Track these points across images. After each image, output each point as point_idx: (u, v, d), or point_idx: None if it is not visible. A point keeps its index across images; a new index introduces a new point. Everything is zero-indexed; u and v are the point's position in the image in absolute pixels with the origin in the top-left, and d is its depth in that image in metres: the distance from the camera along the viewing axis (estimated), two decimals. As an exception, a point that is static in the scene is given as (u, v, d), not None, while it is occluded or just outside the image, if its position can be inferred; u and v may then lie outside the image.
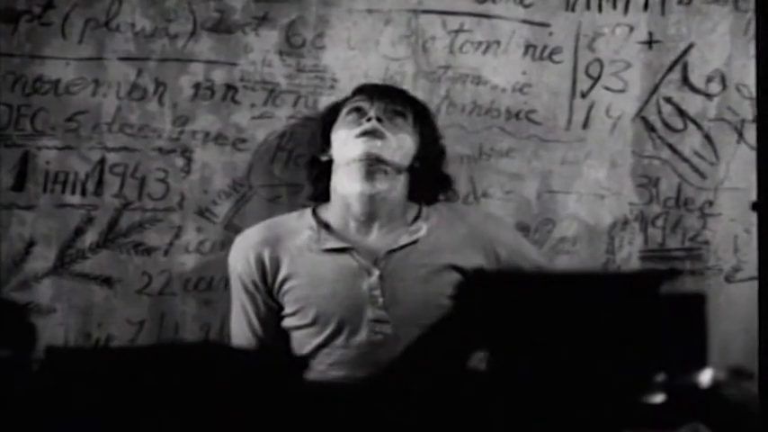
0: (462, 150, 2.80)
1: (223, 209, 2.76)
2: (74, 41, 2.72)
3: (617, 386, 1.50)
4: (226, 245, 2.71)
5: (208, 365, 1.53)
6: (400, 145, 2.54)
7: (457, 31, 2.79)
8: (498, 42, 2.79)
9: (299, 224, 2.57)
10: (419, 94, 2.75)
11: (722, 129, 2.82)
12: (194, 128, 2.76)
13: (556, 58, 2.81)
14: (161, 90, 2.74)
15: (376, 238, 2.54)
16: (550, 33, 2.81)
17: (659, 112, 2.82)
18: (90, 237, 2.73)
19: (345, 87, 2.74)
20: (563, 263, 2.79)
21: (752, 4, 2.76)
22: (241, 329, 2.59)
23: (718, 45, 2.82)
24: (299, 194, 2.73)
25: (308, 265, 2.52)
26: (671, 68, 2.82)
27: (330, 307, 2.50)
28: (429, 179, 2.63)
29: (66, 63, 2.72)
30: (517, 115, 2.81)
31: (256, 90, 2.76)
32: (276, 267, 2.54)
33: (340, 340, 2.50)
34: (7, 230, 2.71)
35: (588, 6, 2.80)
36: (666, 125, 2.82)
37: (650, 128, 2.82)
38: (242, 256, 2.56)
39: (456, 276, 2.48)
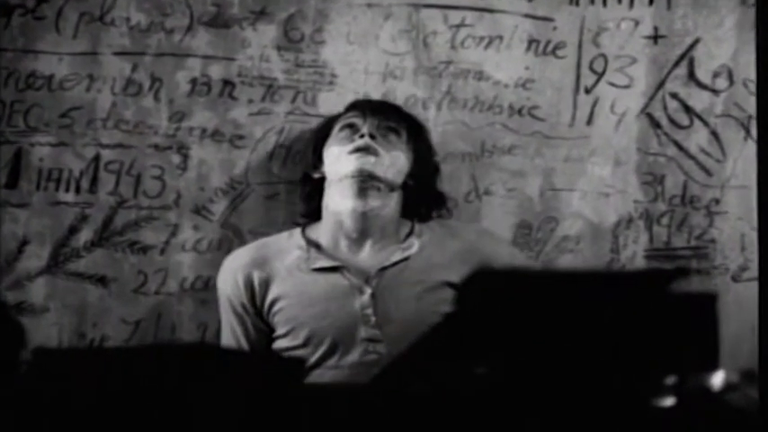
0: (464, 147, 2.80)
1: (220, 207, 2.75)
2: (68, 36, 2.71)
3: (625, 389, 1.49)
4: (223, 243, 2.73)
5: (203, 367, 1.51)
6: (394, 162, 2.54)
7: (458, 26, 2.79)
8: (501, 37, 2.79)
9: (288, 244, 2.57)
10: (420, 90, 2.77)
11: (729, 125, 2.82)
12: (191, 124, 2.75)
13: (559, 53, 2.81)
14: (157, 86, 2.74)
15: (367, 256, 2.54)
16: (554, 28, 2.80)
17: (665, 108, 2.81)
18: (84, 235, 2.72)
19: (345, 83, 2.76)
20: (566, 262, 2.79)
21: (753, -1, 2.78)
22: None
23: (724, 40, 2.82)
24: (297, 192, 2.72)
25: (298, 286, 2.52)
26: (677, 64, 2.82)
27: (322, 327, 2.49)
28: (423, 197, 2.63)
29: (60, 58, 2.72)
30: (520, 111, 2.81)
31: (254, 86, 2.76)
32: (265, 289, 2.53)
33: (332, 361, 2.49)
34: (0, 229, 2.70)
35: (592, 0, 2.81)
36: (672, 121, 2.82)
37: (656, 124, 2.82)
38: (230, 277, 2.56)
39: (450, 293, 2.46)
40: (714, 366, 1.49)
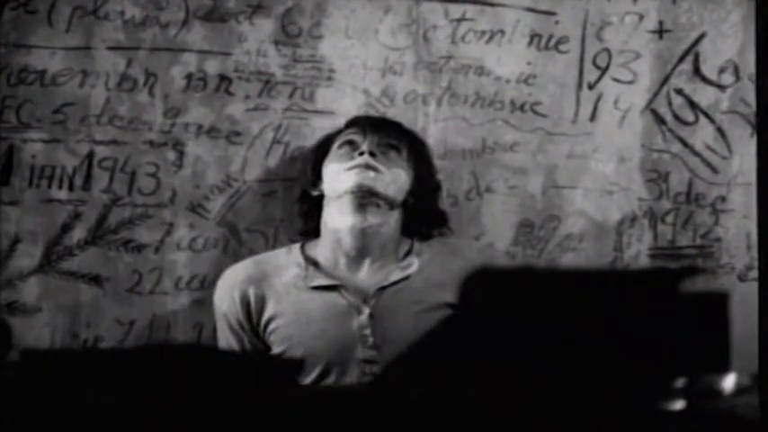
0: (465, 144, 2.79)
1: (216, 204, 2.75)
2: (61, 30, 2.71)
3: (632, 392, 1.47)
4: (219, 242, 2.73)
5: (199, 369, 1.51)
6: (394, 179, 2.54)
7: (459, 20, 2.78)
8: (502, 31, 2.79)
9: (286, 261, 2.57)
10: (420, 85, 2.77)
11: (735, 121, 2.81)
12: (186, 120, 2.74)
13: (562, 47, 2.80)
14: (152, 81, 2.73)
15: (366, 275, 2.53)
16: (556, 22, 2.80)
17: (670, 104, 2.81)
18: (78, 233, 2.72)
19: (343, 78, 2.76)
20: (569, 261, 2.79)
21: (759, -6, 2.81)
22: None
23: (730, 34, 2.82)
24: (294, 189, 2.70)
25: (295, 304, 2.51)
26: (682, 59, 2.81)
27: (318, 347, 2.48)
28: (423, 215, 2.62)
29: (53, 53, 2.71)
30: (522, 107, 2.80)
31: (251, 81, 2.75)
32: (262, 306, 2.53)
33: (328, 381, 2.48)
34: (-9, 227, 2.72)
35: (596, -6, 2.84)
36: (677, 118, 2.81)
37: (660, 120, 2.81)
38: (227, 294, 2.56)
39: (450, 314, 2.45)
40: (725, 368, 1.47)
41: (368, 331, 2.48)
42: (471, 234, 2.77)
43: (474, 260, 2.56)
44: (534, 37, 2.79)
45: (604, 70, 2.79)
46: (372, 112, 2.74)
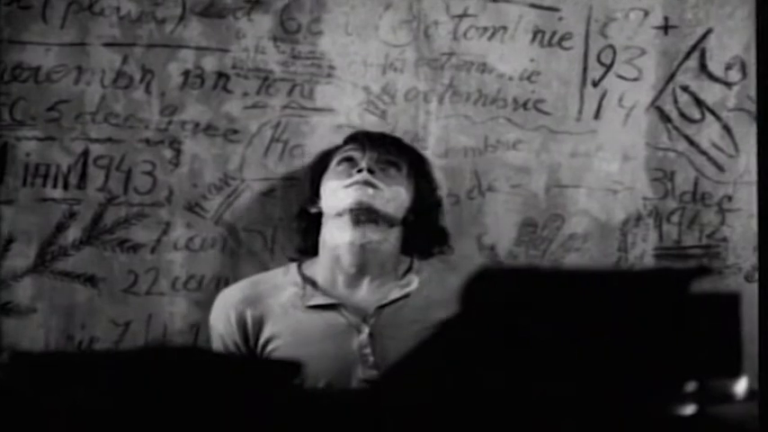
0: (467, 142, 2.79)
1: (214, 203, 2.75)
2: (55, 26, 2.71)
3: (641, 395, 1.43)
4: (216, 242, 2.73)
5: (196, 371, 1.48)
6: (393, 196, 2.54)
7: (461, 16, 2.78)
8: (505, 28, 2.79)
9: (283, 281, 2.57)
10: (421, 82, 2.78)
11: (742, 119, 2.81)
12: (183, 118, 2.74)
13: (566, 44, 2.80)
14: (148, 78, 2.73)
15: (365, 294, 2.54)
16: (560, 18, 2.80)
17: (675, 101, 2.81)
18: (73, 233, 2.72)
19: (343, 75, 2.76)
20: (572, 261, 2.80)
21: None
22: None
23: (737, 30, 2.82)
24: (293, 188, 2.72)
25: (293, 324, 2.51)
26: (688, 55, 2.81)
27: (318, 367, 2.45)
28: (424, 232, 2.62)
29: (48, 49, 2.71)
30: (525, 105, 2.80)
31: (249, 78, 2.75)
32: (259, 327, 2.53)
33: None
34: (-15, 226, 2.73)
35: (600, -11, 2.85)
36: (683, 115, 2.81)
37: (666, 118, 2.81)
38: (223, 315, 2.55)
39: None
40: (737, 372, 1.43)
41: (368, 350, 2.48)
42: (473, 233, 2.76)
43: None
44: (537, 33, 2.79)
45: (609, 67, 2.80)
46: (372, 110, 2.74)
